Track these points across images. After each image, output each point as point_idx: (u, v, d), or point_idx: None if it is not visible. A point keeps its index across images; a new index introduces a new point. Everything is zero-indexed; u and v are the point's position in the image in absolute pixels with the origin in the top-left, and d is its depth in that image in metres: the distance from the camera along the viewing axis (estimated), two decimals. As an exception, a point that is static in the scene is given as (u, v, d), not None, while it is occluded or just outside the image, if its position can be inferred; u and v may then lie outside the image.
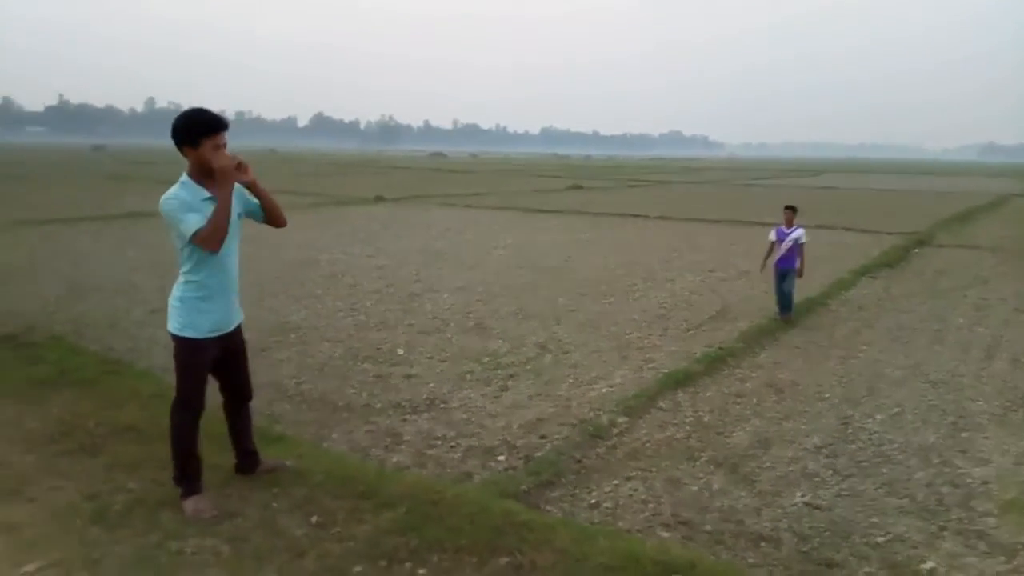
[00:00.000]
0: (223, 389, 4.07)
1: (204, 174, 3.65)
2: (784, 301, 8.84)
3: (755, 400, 6.12)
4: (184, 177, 3.65)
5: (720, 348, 7.51)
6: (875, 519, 4.18)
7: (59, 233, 14.90)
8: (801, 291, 10.56)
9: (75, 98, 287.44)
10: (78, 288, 9.74)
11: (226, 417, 4.14)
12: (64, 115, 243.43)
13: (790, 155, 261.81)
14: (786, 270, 8.77)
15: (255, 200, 3.88)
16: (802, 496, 4.45)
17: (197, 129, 3.59)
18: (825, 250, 15.05)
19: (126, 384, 5.58)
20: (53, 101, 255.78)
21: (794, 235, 8.74)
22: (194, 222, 3.53)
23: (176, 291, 3.71)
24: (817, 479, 4.70)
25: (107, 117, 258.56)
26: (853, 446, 5.23)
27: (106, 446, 4.44)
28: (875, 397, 6.26)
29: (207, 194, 3.64)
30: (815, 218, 20.80)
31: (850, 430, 5.53)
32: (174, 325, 3.72)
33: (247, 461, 4.18)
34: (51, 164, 45.91)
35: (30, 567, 3.13)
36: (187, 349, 3.72)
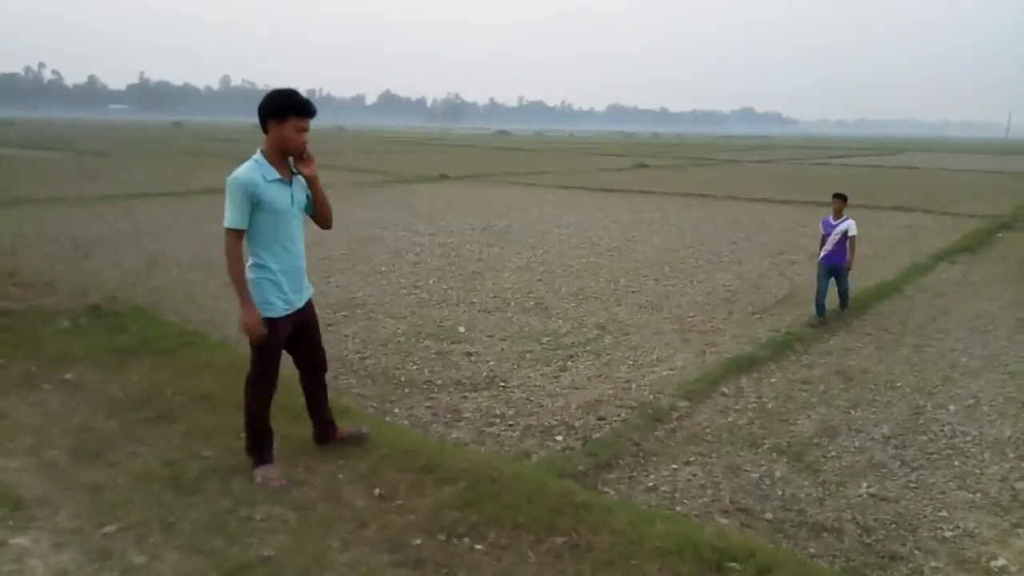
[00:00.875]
0: (298, 363, 4.19)
1: (279, 152, 3.73)
2: (822, 302, 7.93)
3: (822, 387, 5.98)
4: (258, 155, 3.72)
5: (787, 333, 7.36)
6: (944, 513, 4.06)
7: (140, 208, 15.54)
8: (875, 276, 10.26)
9: (155, 76, 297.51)
10: (157, 262, 10.15)
11: (303, 390, 4.26)
12: (145, 93, 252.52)
13: (868, 133, 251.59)
14: (833, 267, 7.89)
15: (310, 194, 3.93)
16: (868, 487, 4.35)
17: (287, 106, 3.66)
18: (902, 233, 14.53)
19: (202, 354, 5.81)
20: (135, 79, 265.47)
21: (842, 227, 7.83)
22: (233, 220, 3.61)
23: (249, 272, 3.79)
24: (884, 470, 4.58)
25: (185, 95, 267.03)
26: (924, 437, 5.08)
27: (183, 414, 4.65)
28: (949, 387, 6.04)
29: (277, 175, 3.72)
30: (892, 199, 20.08)
31: (921, 421, 5.36)
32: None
33: (325, 430, 4.30)
34: (133, 140, 47.78)
35: (110, 528, 3.32)
36: (263, 334, 3.80)
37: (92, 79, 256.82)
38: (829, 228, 7.91)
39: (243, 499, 3.64)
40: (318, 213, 4.00)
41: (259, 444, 3.94)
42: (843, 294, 8.12)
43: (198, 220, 13.78)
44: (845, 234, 7.79)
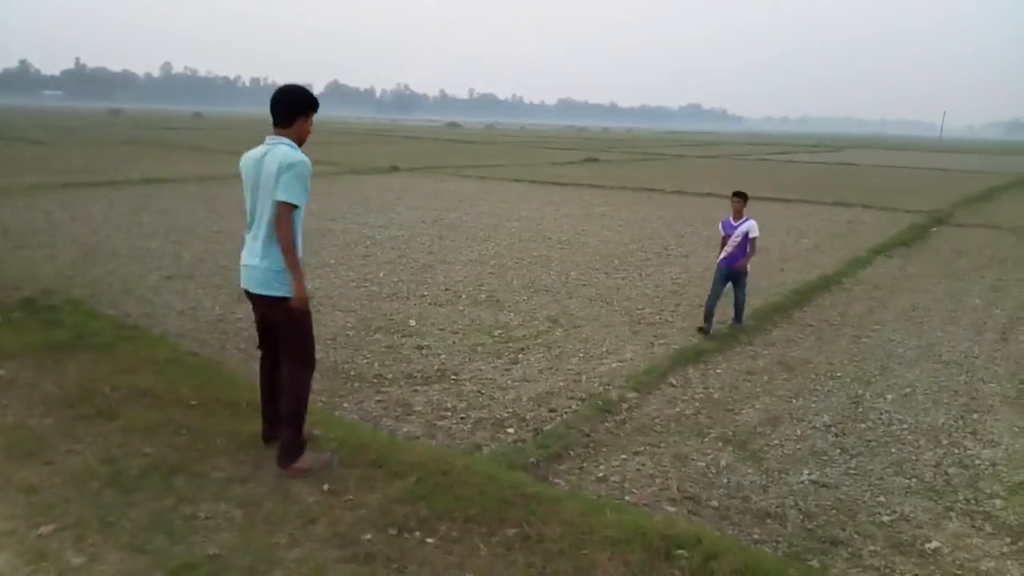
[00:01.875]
0: (270, 354, 4.11)
1: (300, 142, 3.92)
2: (712, 309, 7.27)
3: (766, 377, 6.13)
4: (291, 142, 3.83)
5: (732, 325, 7.51)
6: (882, 498, 4.20)
7: (76, 197, 14.98)
8: (816, 269, 10.54)
9: (91, 62, 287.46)
10: (94, 253, 9.82)
11: (264, 382, 4.18)
12: (81, 79, 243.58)
13: (810, 130, 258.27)
14: (732, 271, 7.28)
15: None
16: (809, 474, 4.48)
17: (312, 103, 3.91)
18: (842, 228, 14.95)
19: (141, 349, 5.65)
20: (70, 65, 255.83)
21: (743, 228, 7.17)
22: (303, 199, 3.76)
23: (277, 255, 3.74)
24: (825, 457, 4.72)
25: (124, 81, 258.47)
26: (863, 425, 5.24)
27: (122, 410, 4.50)
28: (887, 377, 6.25)
29: None
30: (833, 195, 20.64)
31: (860, 409, 5.53)
32: (287, 289, 3.78)
33: (278, 429, 4.12)
34: (68, 127, 46.02)
35: (46, 529, 3.20)
36: (309, 310, 3.89)
37: (23, 64, 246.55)
38: (729, 229, 7.28)
39: (186, 496, 3.54)
40: None
41: (302, 434, 3.92)
42: (738, 305, 7.46)
43: (136, 210, 13.37)
44: (746, 236, 7.18)
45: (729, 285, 7.37)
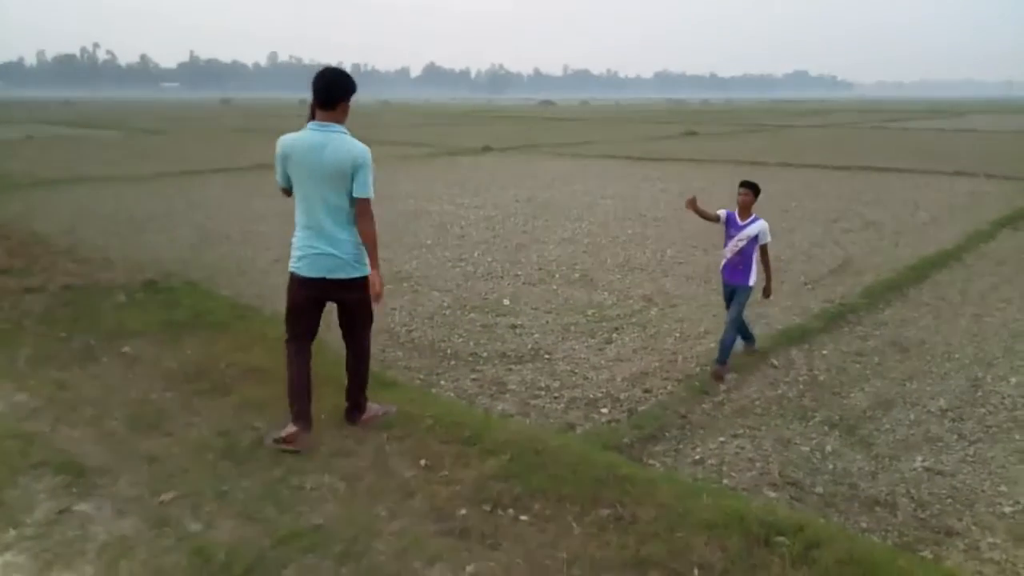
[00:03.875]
0: (312, 338, 4.31)
1: (343, 124, 3.97)
2: (727, 337, 5.45)
3: (876, 359, 5.83)
4: (344, 129, 3.89)
5: (841, 304, 7.18)
6: (1003, 488, 3.94)
7: (192, 184, 15.88)
8: (933, 243, 9.91)
9: (204, 54, 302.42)
10: (210, 237, 10.37)
11: (303, 369, 4.25)
12: (195, 71, 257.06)
13: (928, 95, 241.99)
14: (733, 287, 5.56)
15: None
16: (923, 461, 4.25)
17: (354, 85, 3.95)
18: (963, 199, 14.00)
19: (254, 328, 5.95)
20: (185, 58, 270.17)
21: (750, 230, 5.42)
22: (373, 190, 3.89)
23: (357, 240, 3.93)
24: (940, 443, 4.47)
25: (234, 71, 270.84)
26: (983, 410, 4.92)
27: (236, 386, 4.77)
28: (1011, 358, 5.83)
29: None
30: (952, 164, 19.33)
31: (980, 393, 5.19)
32: (366, 269, 3.98)
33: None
34: (185, 118, 48.69)
35: (167, 496, 3.44)
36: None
37: (144, 58, 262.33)
38: (734, 229, 5.52)
39: (293, 468, 3.72)
40: None
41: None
42: (726, 337, 5.45)
43: (248, 195, 14.02)
44: (754, 240, 5.45)
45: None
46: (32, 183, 15.37)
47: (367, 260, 3.95)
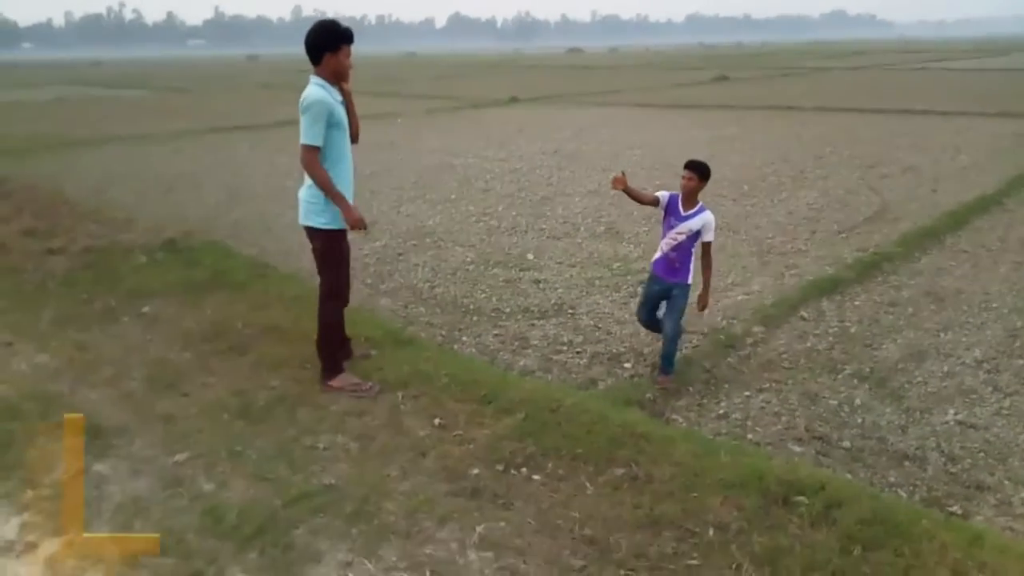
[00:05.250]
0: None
1: (336, 76, 4.02)
2: (670, 347, 4.51)
3: (910, 310, 5.64)
4: (319, 80, 3.97)
5: (875, 252, 6.95)
6: (1039, 442, 3.79)
7: (219, 141, 15.88)
8: (974, 188, 9.53)
9: (230, 11, 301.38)
10: (237, 194, 10.38)
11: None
12: (220, 27, 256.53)
13: (972, 34, 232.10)
14: (670, 285, 4.53)
15: None
16: (955, 414, 4.11)
17: (339, 37, 3.96)
18: (1006, 141, 13.42)
19: (272, 287, 5.93)
20: (210, 14, 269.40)
21: (693, 223, 4.44)
22: (315, 137, 3.88)
23: (315, 189, 3.96)
24: (975, 396, 4.32)
25: (259, 28, 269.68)
26: (1020, 361, 4.75)
27: (253, 345, 4.77)
28: (1053, 308, 5.60)
29: (339, 97, 4.06)
30: (996, 104, 18.54)
31: (1018, 344, 5.01)
32: (319, 220, 4.00)
33: (347, 348, 4.51)
34: (211, 76, 48.63)
35: (181, 456, 3.45)
36: (335, 241, 4.08)
37: (170, 16, 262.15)
38: (676, 218, 4.48)
39: (307, 428, 3.72)
40: (351, 127, 4.23)
41: (338, 359, 4.20)
42: (667, 343, 4.50)
43: (274, 151, 13.97)
44: (696, 235, 4.47)
45: (662, 308, 4.66)
46: (62, 144, 15.49)
47: (325, 210, 3.99)
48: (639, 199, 4.57)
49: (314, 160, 3.87)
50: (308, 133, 3.84)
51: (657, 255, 4.62)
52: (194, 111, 23.34)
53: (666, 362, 4.50)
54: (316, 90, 3.89)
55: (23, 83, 40.75)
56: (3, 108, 24.80)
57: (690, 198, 4.45)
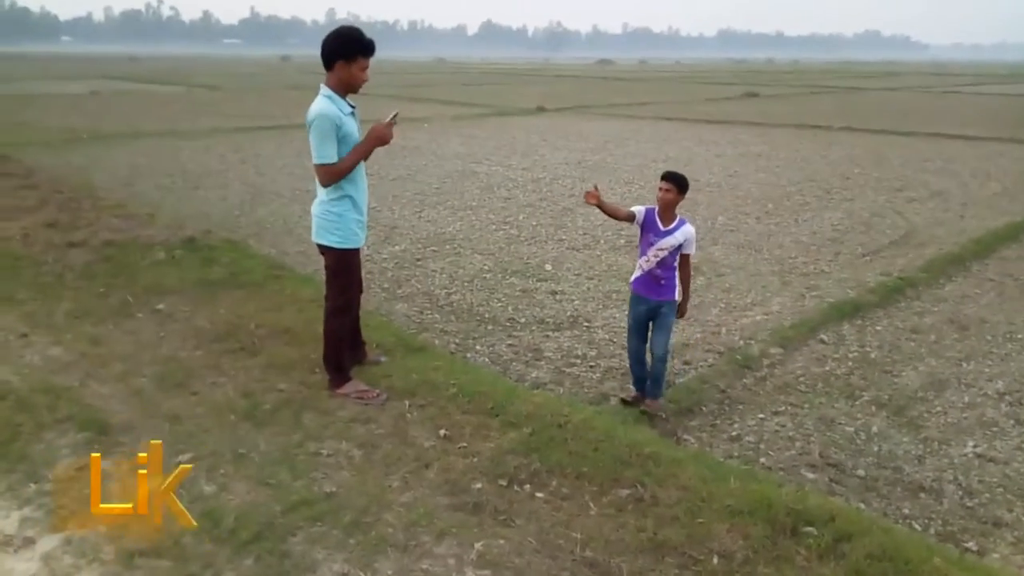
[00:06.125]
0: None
1: (345, 89, 3.90)
2: (638, 368, 4.42)
3: (933, 337, 5.52)
4: (327, 90, 3.87)
5: (899, 277, 6.82)
6: (1060, 479, 3.68)
7: (247, 140, 16.02)
8: (1003, 216, 9.35)
9: (265, 11, 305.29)
10: (261, 193, 10.45)
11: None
12: (256, 27, 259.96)
13: (1009, 58, 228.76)
14: (657, 303, 4.29)
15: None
16: (975, 446, 4.01)
17: (356, 47, 3.82)
18: (1039, 168, 13.18)
19: (287, 288, 5.93)
20: (246, 14, 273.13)
21: (674, 239, 4.21)
22: (328, 155, 3.79)
23: (329, 206, 3.92)
24: (995, 428, 4.22)
25: (293, 28, 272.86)
26: (1044, 395, 4.62)
27: (264, 347, 4.76)
28: (1080, 341, 5.45)
29: (349, 108, 3.92)
30: (1029, 130, 18.21)
31: (1043, 377, 4.87)
32: (332, 239, 3.96)
33: (361, 351, 4.53)
34: (243, 74, 49.21)
35: (185, 456, 3.42)
36: (347, 259, 4.04)
37: (207, 14, 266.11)
38: (656, 235, 4.26)
39: (312, 433, 3.69)
40: None
41: (343, 368, 4.17)
42: (656, 365, 4.30)
43: (300, 152, 14.04)
44: (676, 250, 4.25)
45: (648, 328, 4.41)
46: (94, 137, 15.72)
47: (338, 228, 3.95)
48: (614, 215, 4.35)
49: (332, 173, 3.81)
50: (320, 152, 3.76)
51: (637, 274, 4.37)
52: (224, 109, 23.60)
53: (656, 385, 4.31)
54: (321, 103, 3.78)
55: (61, 76, 41.54)
56: (39, 100, 25.24)
57: (668, 211, 4.24)
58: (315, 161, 3.79)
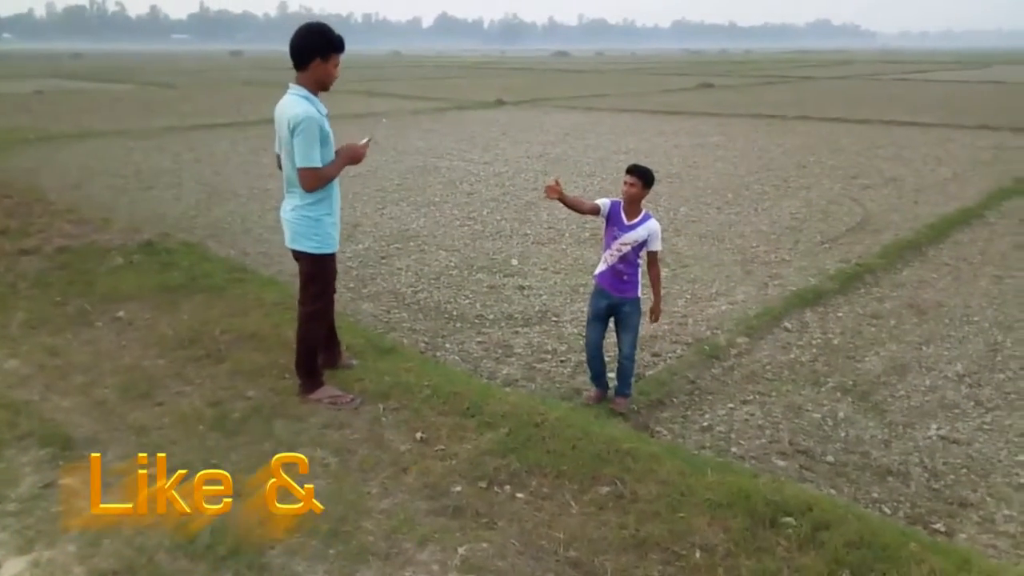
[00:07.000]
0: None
1: (320, 86, 3.84)
2: (596, 363, 4.36)
3: (893, 322, 5.65)
4: (302, 90, 3.78)
5: (857, 264, 6.97)
6: (1021, 457, 3.83)
7: (200, 139, 15.67)
8: (954, 201, 9.60)
9: (214, 5, 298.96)
10: (217, 193, 10.25)
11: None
12: (205, 22, 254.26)
13: (955, 46, 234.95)
14: (619, 301, 4.22)
15: None
16: (938, 429, 4.12)
17: (332, 45, 3.76)
18: (986, 154, 13.57)
19: (251, 291, 5.80)
20: (195, 8, 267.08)
21: (638, 233, 4.12)
22: (315, 158, 3.70)
23: (305, 211, 3.83)
24: (957, 411, 4.33)
25: (244, 23, 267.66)
26: (1001, 375, 4.77)
27: (230, 353, 4.64)
28: (1033, 322, 5.63)
29: (325, 109, 3.85)
30: (976, 117, 18.74)
31: (999, 358, 5.04)
32: (308, 244, 3.87)
33: (336, 354, 4.45)
34: (195, 71, 48.09)
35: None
36: (323, 264, 3.96)
37: (154, 9, 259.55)
38: (620, 228, 4.17)
39: (284, 441, 3.61)
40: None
41: (316, 374, 4.10)
42: (623, 364, 4.28)
43: (256, 150, 13.82)
44: (641, 246, 4.16)
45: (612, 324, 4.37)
46: (40, 138, 15.22)
47: (315, 234, 3.87)
48: (577, 208, 4.24)
49: (318, 177, 3.74)
50: (308, 156, 3.66)
51: (601, 267, 4.29)
52: (177, 107, 23.05)
53: (624, 384, 4.30)
54: (303, 105, 3.68)
55: (3, 75, 40.08)
56: (-20, 100, 24.36)
57: (633, 205, 4.15)
58: (301, 165, 3.68)
